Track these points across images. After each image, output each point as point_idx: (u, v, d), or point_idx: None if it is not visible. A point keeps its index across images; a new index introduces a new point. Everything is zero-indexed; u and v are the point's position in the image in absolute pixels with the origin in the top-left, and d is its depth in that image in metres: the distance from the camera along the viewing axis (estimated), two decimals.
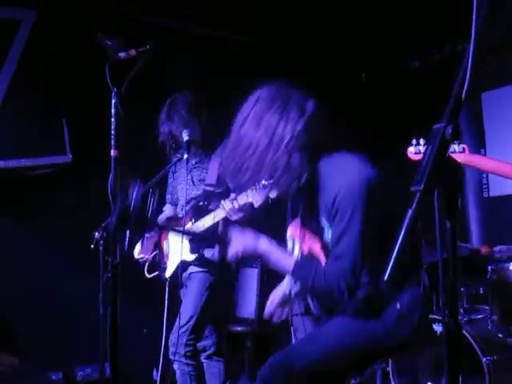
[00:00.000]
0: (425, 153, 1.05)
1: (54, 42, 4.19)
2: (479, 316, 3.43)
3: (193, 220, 3.28)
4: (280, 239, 2.22)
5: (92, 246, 3.26)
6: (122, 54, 2.40)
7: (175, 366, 3.38)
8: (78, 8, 4.17)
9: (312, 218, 2.11)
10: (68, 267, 4.07)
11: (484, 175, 4.92)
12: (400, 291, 2.03)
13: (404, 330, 2.02)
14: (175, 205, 3.62)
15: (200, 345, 3.44)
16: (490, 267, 3.33)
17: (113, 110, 2.37)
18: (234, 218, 3.05)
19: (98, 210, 2.94)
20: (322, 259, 2.08)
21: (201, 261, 3.29)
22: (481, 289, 3.55)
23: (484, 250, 3.92)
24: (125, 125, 2.31)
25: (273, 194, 2.77)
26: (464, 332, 3.17)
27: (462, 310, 3.48)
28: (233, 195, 3.05)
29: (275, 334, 4.41)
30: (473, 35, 1.11)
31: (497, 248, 3.57)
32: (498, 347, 3.17)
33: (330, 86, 4.83)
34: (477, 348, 3.11)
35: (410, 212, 1.02)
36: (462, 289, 3.55)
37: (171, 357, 3.34)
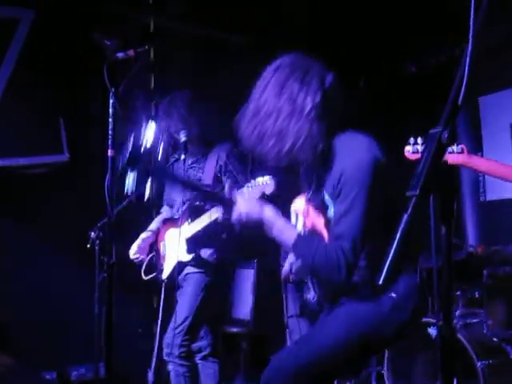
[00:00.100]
0: (421, 157, 1.06)
1: (52, 41, 4.19)
2: (475, 320, 3.44)
3: (189, 220, 3.28)
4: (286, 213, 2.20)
5: (88, 246, 3.27)
6: (120, 55, 2.41)
7: (169, 366, 3.37)
8: (77, 7, 4.17)
9: (317, 193, 2.10)
10: (63, 267, 4.06)
11: (481, 179, 4.93)
12: (396, 279, 2.01)
13: (399, 318, 2.00)
14: (172, 206, 3.62)
15: (195, 346, 3.44)
16: (485, 271, 3.34)
17: (110, 110, 2.38)
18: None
19: (95, 210, 2.94)
20: (325, 236, 2.07)
21: (197, 261, 3.29)
22: (476, 293, 3.56)
23: (479, 249, 3.93)
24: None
25: (268, 191, 2.77)
26: (459, 336, 3.17)
27: (457, 314, 3.48)
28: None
29: (270, 335, 4.41)
30: (470, 40, 1.11)
31: (492, 249, 3.58)
32: (492, 351, 3.18)
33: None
34: (472, 352, 3.11)
35: (405, 217, 1.02)
36: (458, 293, 3.55)
37: (165, 357, 3.34)
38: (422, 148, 2.80)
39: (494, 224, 4.77)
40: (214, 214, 3.12)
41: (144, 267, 3.51)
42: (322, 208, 2.07)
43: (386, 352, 3.50)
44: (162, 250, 3.49)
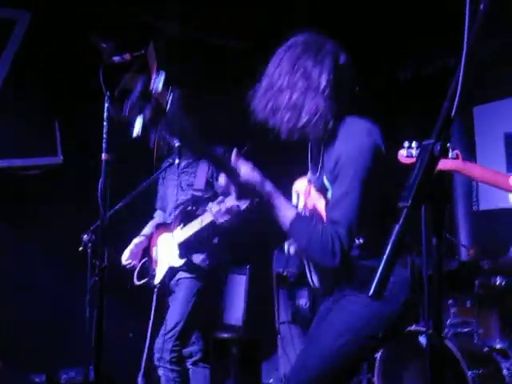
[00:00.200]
0: (413, 168, 1.06)
1: (49, 43, 4.18)
2: (466, 329, 3.45)
3: (181, 225, 3.28)
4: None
5: (80, 249, 3.26)
6: (116, 58, 2.41)
7: (160, 371, 3.36)
8: (74, 9, 4.16)
9: (319, 175, 2.09)
10: (55, 269, 4.05)
11: (474, 188, 4.95)
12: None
13: (391, 311, 1.99)
14: (165, 210, 3.61)
15: (186, 351, 3.43)
16: (477, 281, 3.35)
17: (105, 114, 2.38)
18: (220, 220, 3.04)
19: (87, 213, 2.93)
20: (325, 217, 2.05)
21: (189, 266, 3.28)
22: (468, 302, 3.56)
23: (471, 251, 3.94)
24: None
25: (242, 206, 2.77)
26: (450, 345, 3.17)
27: (448, 323, 3.49)
28: (220, 198, 3.04)
29: (261, 341, 4.41)
30: (464, 53, 1.12)
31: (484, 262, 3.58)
32: (483, 361, 3.18)
33: None
34: (462, 361, 3.11)
35: (396, 228, 1.02)
36: (450, 301, 3.56)
37: (156, 362, 3.32)
38: (417, 153, 2.77)
39: (487, 233, 4.79)
40: (205, 220, 3.12)
41: (136, 272, 3.50)
42: (322, 190, 2.06)
43: (377, 360, 3.50)
44: (154, 255, 3.48)
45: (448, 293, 3.58)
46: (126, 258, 3.47)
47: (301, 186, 2.23)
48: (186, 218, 3.28)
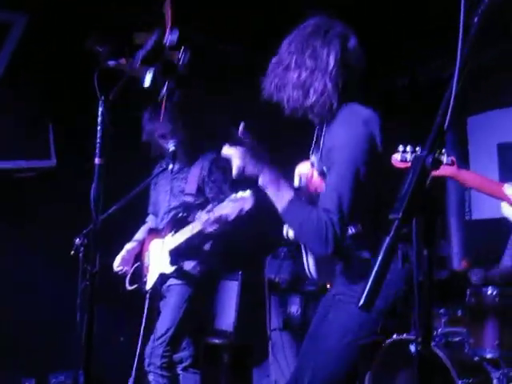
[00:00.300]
0: (405, 180, 1.06)
1: (44, 46, 4.17)
2: (456, 339, 3.45)
3: (173, 232, 3.27)
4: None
5: (72, 253, 3.24)
6: (111, 63, 2.40)
7: (150, 377, 3.34)
8: (73, 11, 4.15)
9: (320, 157, 2.10)
10: (46, 272, 4.03)
11: (467, 198, 4.96)
12: None
13: (380, 302, 1.97)
14: (157, 215, 3.60)
15: (176, 356, 3.42)
16: (468, 291, 3.35)
17: (99, 118, 2.37)
18: (209, 230, 3.03)
19: (80, 217, 2.92)
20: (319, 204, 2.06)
21: (180, 273, 3.27)
22: (459, 311, 3.57)
23: (463, 264, 3.94)
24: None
25: (247, 207, 2.74)
26: (440, 354, 3.17)
27: (439, 332, 3.49)
28: (209, 206, 3.03)
29: (253, 347, 4.40)
30: (457, 65, 1.12)
31: (474, 271, 3.59)
32: (473, 370, 3.18)
33: None
34: (453, 371, 3.11)
35: (387, 239, 1.02)
36: (441, 311, 3.56)
37: (146, 368, 3.31)
38: (411, 157, 2.72)
39: (479, 243, 4.80)
40: (195, 228, 3.10)
41: (128, 277, 3.48)
42: (322, 174, 2.07)
43: (368, 368, 3.49)
44: (146, 261, 3.47)
45: (439, 302, 3.58)
46: (117, 264, 3.46)
47: (304, 168, 2.23)
48: (177, 224, 3.26)
